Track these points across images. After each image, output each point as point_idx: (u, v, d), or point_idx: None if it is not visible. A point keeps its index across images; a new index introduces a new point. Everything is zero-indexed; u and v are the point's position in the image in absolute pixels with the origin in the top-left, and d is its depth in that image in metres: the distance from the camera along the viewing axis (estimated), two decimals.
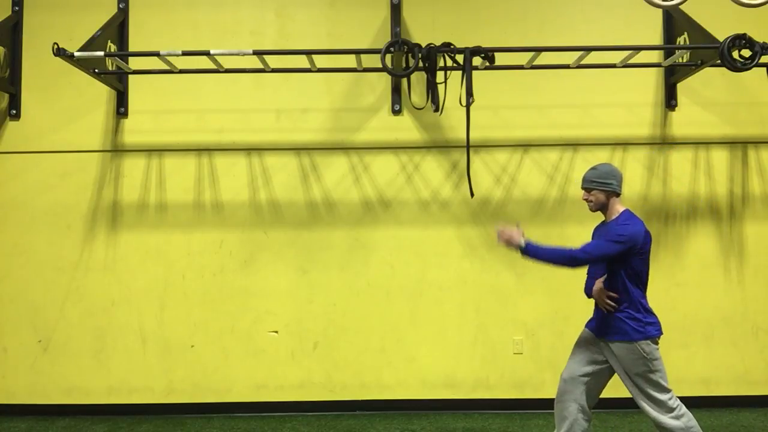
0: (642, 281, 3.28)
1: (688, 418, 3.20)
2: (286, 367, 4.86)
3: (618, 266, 3.23)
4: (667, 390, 3.21)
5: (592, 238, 3.45)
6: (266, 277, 4.89)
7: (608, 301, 3.24)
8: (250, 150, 4.95)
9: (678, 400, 3.23)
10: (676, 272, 4.89)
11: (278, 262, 4.90)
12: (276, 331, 4.88)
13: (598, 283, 3.30)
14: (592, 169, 3.39)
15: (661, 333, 3.26)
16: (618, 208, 3.32)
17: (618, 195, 3.34)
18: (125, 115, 4.95)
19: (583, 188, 3.39)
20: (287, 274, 4.89)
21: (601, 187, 3.30)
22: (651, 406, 3.20)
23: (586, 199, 3.39)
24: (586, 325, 3.43)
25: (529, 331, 4.89)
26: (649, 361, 3.17)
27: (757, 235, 4.91)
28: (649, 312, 3.26)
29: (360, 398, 4.85)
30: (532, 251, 3.19)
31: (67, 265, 4.88)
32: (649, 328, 3.21)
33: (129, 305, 4.87)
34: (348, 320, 4.88)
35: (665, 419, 3.18)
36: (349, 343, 4.88)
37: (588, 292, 3.39)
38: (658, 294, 4.88)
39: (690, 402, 4.78)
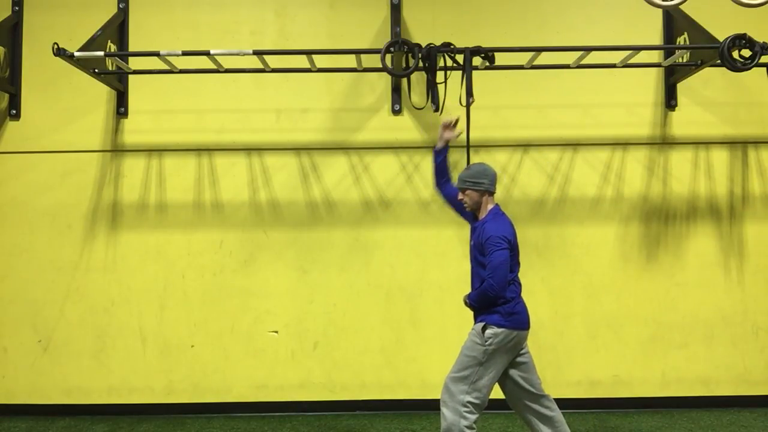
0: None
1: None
2: (286, 367, 4.86)
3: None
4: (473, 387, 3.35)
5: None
6: (266, 277, 4.89)
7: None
8: (250, 150, 4.95)
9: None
10: (676, 272, 4.89)
11: (278, 262, 4.90)
12: (276, 331, 4.88)
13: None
14: (466, 169, 3.52)
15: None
16: (489, 206, 3.45)
17: (491, 194, 3.46)
18: (125, 115, 4.95)
19: (458, 188, 3.51)
20: (287, 274, 4.89)
21: (474, 186, 3.42)
22: (446, 390, 3.42)
23: (460, 199, 3.50)
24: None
25: (529, 331, 4.87)
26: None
27: (757, 235, 4.91)
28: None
29: (360, 398, 4.84)
30: None
31: (67, 265, 4.88)
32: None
33: (129, 305, 4.87)
34: (348, 320, 4.88)
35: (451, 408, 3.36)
36: (349, 343, 4.87)
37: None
38: (658, 294, 4.90)
39: (690, 402, 4.85)
